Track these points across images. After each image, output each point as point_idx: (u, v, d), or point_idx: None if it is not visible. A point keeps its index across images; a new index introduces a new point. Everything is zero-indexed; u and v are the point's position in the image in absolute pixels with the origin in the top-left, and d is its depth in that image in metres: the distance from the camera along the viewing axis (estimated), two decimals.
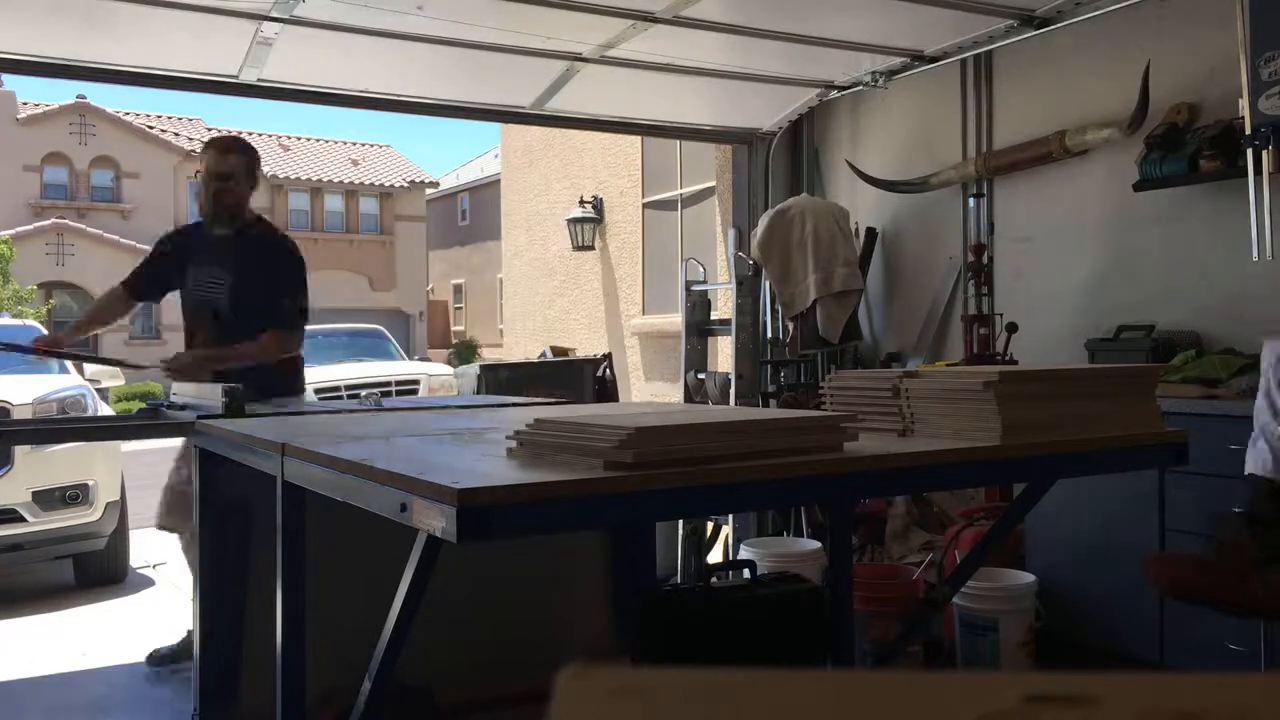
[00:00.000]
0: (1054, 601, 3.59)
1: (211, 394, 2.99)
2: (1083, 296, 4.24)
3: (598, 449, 1.44)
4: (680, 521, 4.26)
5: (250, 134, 28.52)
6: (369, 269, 28.00)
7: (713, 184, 7.89)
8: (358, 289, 27.52)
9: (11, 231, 20.40)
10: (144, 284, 3.89)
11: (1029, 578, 3.47)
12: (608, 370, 6.33)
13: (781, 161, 5.81)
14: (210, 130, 27.69)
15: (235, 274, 3.64)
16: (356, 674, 1.79)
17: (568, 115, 5.24)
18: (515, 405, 3.24)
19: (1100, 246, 4.20)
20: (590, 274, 10.91)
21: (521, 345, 12.21)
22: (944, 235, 4.94)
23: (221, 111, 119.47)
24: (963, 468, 1.71)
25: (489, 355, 22.29)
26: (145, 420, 3.19)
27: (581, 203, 10.64)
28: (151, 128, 25.90)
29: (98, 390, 5.85)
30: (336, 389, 9.22)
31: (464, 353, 24.76)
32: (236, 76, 4.40)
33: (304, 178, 27.42)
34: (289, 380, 3.78)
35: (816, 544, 3.99)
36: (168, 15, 3.83)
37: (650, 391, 9.47)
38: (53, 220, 23.56)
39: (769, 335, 5.49)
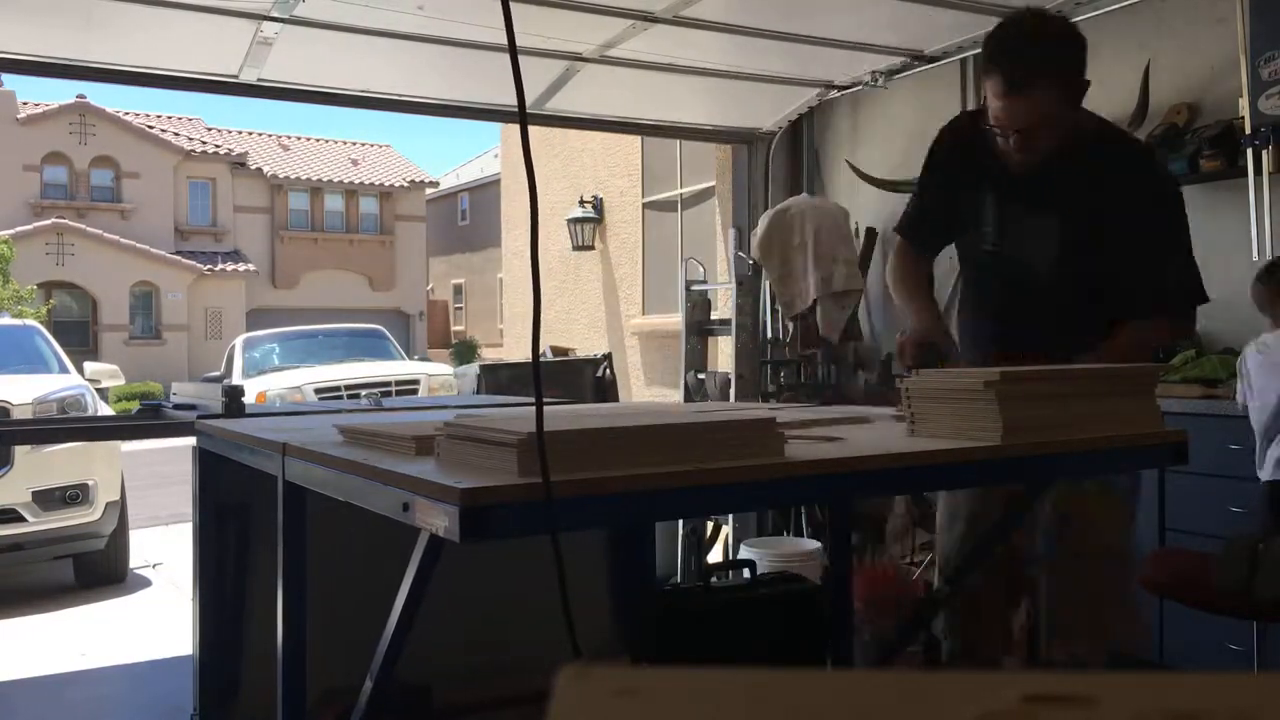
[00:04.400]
0: None
1: (213, 394, 2.99)
2: None
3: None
4: (680, 521, 4.26)
5: (250, 134, 28.59)
6: (369, 269, 27.99)
7: (713, 184, 7.88)
8: (358, 289, 27.51)
9: (11, 231, 20.38)
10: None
11: None
12: (608, 370, 6.33)
13: (781, 161, 5.81)
14: (210, 130, 27.75)
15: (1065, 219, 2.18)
16: (357, 674, 1.79)
17: (568, 115, 5.24)
18: (515, 405, 3.24)
19: None
20: (590, 274, 10.91)
21: (522, 345, 12.21)
22: None
23: (221, 111, 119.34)
24: (963, 468, 1.71)
25: (489, 355, 22.28)
26: (145, 420, 3.19)
27: (581, 203, 10.64)
28: (151, 128, 25.88)
29: (98, 390, 5.85)
30: (336, 389, 9.22)
31: (464, 353, 24.75)
32: (236, 76, 4.40)
33: (304, 178, 27.41)
34: None
35: (816, 544, 3.99)
36: (168, 15, 3.82)
37: (651, 392, 9.46)
38: (53, 220, 23.54)
39: (769, 335, 5.49)
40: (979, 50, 4.63)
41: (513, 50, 1.25)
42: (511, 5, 1.21)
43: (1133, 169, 2.17)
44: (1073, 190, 2.14)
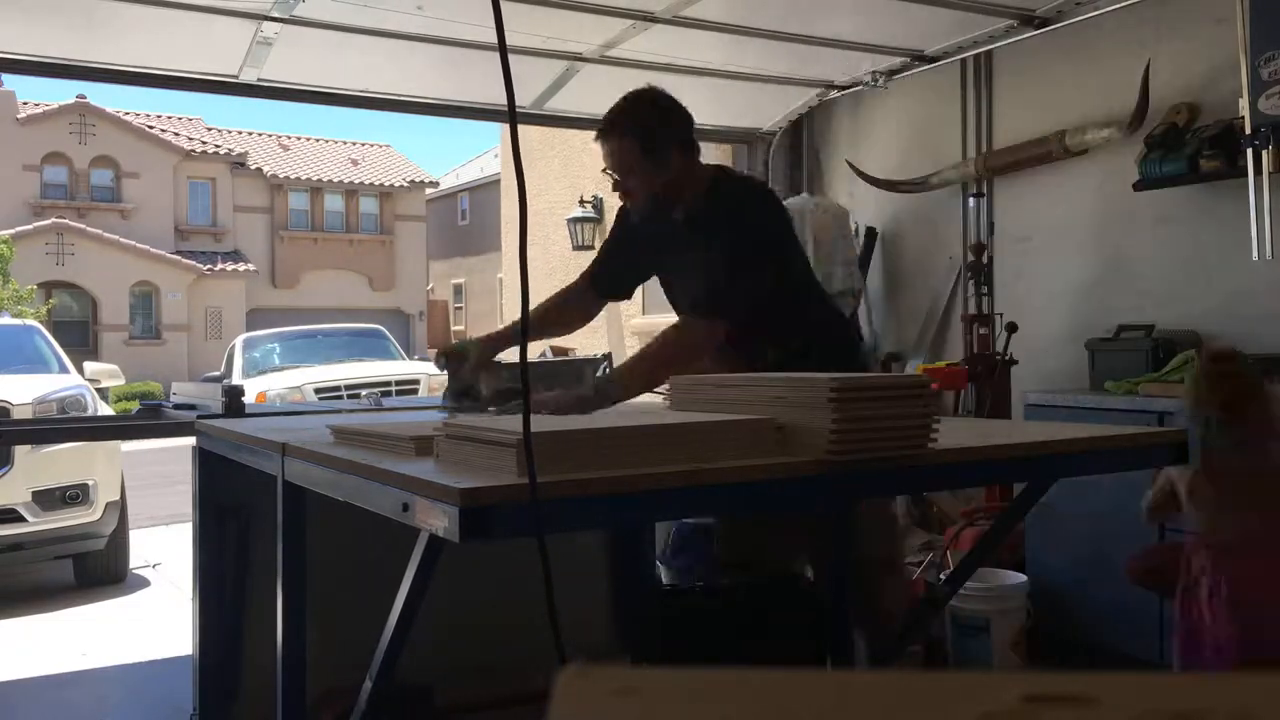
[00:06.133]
0: (1054, 601, 3.59)
1: (213, 394, 2.99)
2: (1083, 296, 4.24)
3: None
4: None
5: (250, 134, 28.59)
6: (369, 269, 27.99)
7: None
8: (358, 289, 27.51)
9: (11, 231, 20.37)
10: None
11: (1020, 578, 3.47)
12: (607, 370, 6.32)
13: (781, 161, 5.81)
14: (210, 130, 27.75)
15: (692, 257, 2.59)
16: (357, 674, 1.79)
17: (568, 115, 5.23)
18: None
19: (1100, 246, 4.20)
20: None
21: None
22: (944, 235, 4.93)
23: (221, 111, 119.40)
24: (963, 468, 1.71)
25: None
26: (145, 420, 3.19)
27: (581, 203, 10.64)
28: (151, 128, 25.88)
29: (98, 390, 5.85)
30: (336, 389, 9.22)
31: None
32: (236, 76, 4.40)
33: (304, 178, 27.40)
34: None
35: None
36: (168, 15, 3.82)
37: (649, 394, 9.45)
38: (53, 220, 23.55)
39: None
40: (979, 50, 4.65)
41: (503, 50, 1.25)
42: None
43: (738, 202, 2.55)
44: (701, 230, 2.52)
